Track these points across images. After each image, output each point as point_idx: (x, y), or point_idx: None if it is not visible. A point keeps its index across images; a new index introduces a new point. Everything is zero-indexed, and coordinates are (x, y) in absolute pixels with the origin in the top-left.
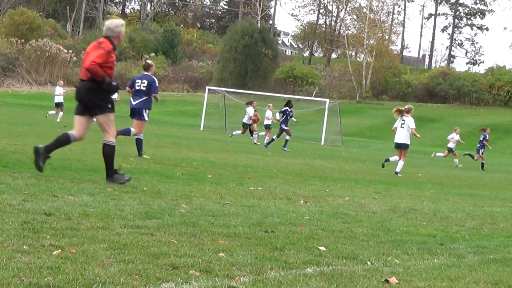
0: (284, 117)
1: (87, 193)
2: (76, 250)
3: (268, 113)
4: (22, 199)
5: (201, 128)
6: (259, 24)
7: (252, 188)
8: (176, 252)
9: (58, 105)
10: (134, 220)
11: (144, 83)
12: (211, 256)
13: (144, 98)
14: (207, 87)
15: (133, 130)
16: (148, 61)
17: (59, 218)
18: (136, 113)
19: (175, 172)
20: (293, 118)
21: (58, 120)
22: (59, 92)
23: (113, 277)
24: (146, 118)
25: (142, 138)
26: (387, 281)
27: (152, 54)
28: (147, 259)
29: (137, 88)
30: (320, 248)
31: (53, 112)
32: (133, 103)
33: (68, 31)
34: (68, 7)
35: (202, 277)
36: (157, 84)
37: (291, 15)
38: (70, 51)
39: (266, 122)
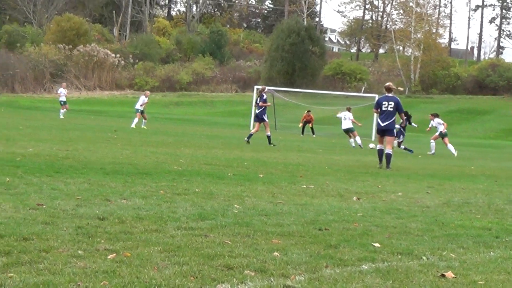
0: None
1: (140, 196)
2: (130, 253)
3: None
4: (76, 204)
5: (251, 128)
6: (305, 22)
7: (304, 186)
8: (230, 252)
9: (64, 103)
10: (187, 222)
11: (391, 104)
12: (266, 256)
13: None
14: (256, 87)
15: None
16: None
17: (113, 222)
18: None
19: (227, 172)
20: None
21: (61, 116)
22: (63, 93)
23: (169, 280)
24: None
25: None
26: (443, 275)
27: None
28: (202, 260)
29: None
30: (374, 244)
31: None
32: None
33: (115, 35)
34: (114, 12)
35: (257, 277)
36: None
37: (337, 11)
38: (118, 55)
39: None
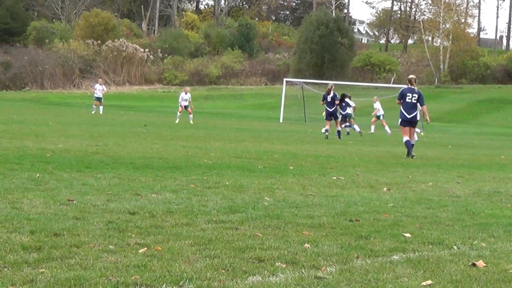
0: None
1: (170, 190)
2: (161, 247)
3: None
4: (106, 199)
5: (281, 121)
6: (334, 14)
7: (335, 178)
8: (261, 245)
9: (99, 99)
10: (218, 215)
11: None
12: (297, 248)
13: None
14: (285, 79)
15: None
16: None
17: (143, 217)
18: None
19: (257, 165)
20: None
21: (101, 112)
22: (99, 89)
23: (200, 273)
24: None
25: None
26: (474, 264)
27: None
28: (233, 253)
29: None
30: (405, 234)
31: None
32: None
33: (143, 30)
34: (142, 6)
35: (288, 269)
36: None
37: (366, 2)
38: (147, 50)
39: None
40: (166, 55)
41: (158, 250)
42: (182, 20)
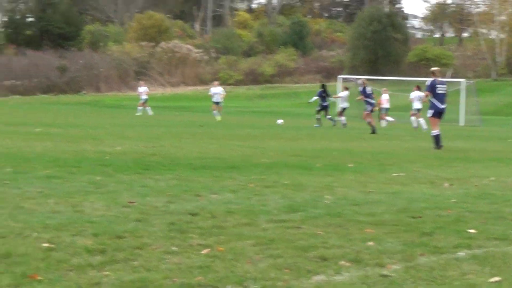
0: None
1: (229, 190)
2: (224, 248)
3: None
4: (166, 201)
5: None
6: (386, 9)
7: (394, 174)
8: (324, 243)
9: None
10: (278, 214)
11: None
12: (360, 246)
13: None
14: (339, 76)
15: None
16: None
17: (204, 217)
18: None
19: (315, 163)
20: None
21: (150, 113)
22: (143, 90)
23: (263, 273)
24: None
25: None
26: None
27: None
28: (296, 252)
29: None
30: (469, 230)
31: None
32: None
33: (196, 30)
34: (195, 7)
35: (352, 267)
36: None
37: None
38: (200, 50)
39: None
40: (220, 55)
41: (221, 250)
42: (234, 19)
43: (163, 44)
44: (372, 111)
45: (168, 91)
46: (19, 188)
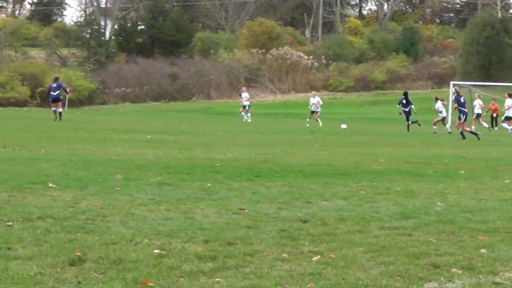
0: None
1: (341, 197)
2: (335, 255)
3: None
4: (277, 208)
5: (449, 124)
6: (499, 14)
7: (507, 181)
8: (436, 251)
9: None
10: (390, 221)
11: None
12: (472, 253)
13: None
14: (452, 82)
15: None
16: None
17: (315, 224)
18: None
19: (427, 170)
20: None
21: (249, 120)
22: (245, 97)
23: (375, 280)
24: None
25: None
26: None
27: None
28: (407, 259)
29: None
30: None
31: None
32: None
33: (307, 37)
34: (305, 14)
35: (464, 274)
36: None
37: None
38: (311, 57)
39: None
40: (331, 61)
41: (332, 257)
42: (345, 26)
43: (273, 51)
44: (465, 120)
45: (279, 98)
46: (130, 195)
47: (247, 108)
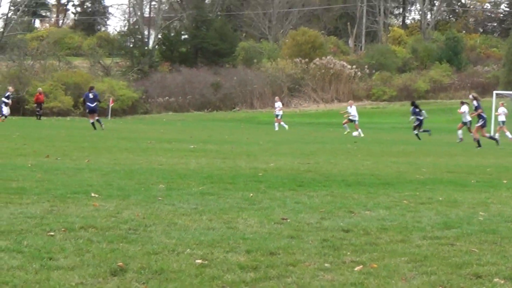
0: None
1: (383, 207)
2: (377, 264)
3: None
4: (320, 217)
5: (492, 134)
6: None
7: None
8: (478, 260)
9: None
10: (432, 231)
11: None
12: None
13: None
14: (495, 92)
15: None
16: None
17: (358, 234)
18: None
19: (470, 179)
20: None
21: (276, 129)
22: (278, 106)
23: None
24: None
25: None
26: None
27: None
28: (449, 269)
29: None
30: None
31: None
32: None
33: (350, 46)
34: (349, 23)
35: (507, 284)
36: None
37: None
38: (354, 66)
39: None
40: (374, 71)
41: (374, 267)
42: (388, 35)
43: (317, 60)
44: (483, 126)
45: (322, 107)
46: (173, 204)
47: (279, 117)
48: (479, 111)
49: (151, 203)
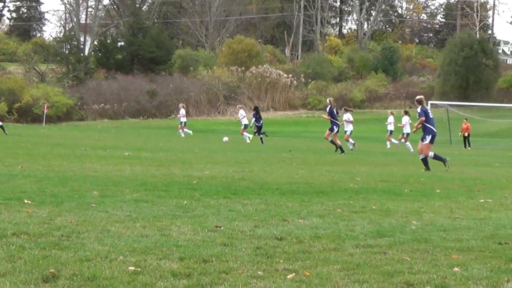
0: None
1: (317, 215)
2: (310, 272)
3: None
4: (253, 225)
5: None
6: (478, 35)
7: (482, 200)
8: (410, 269)
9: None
10: (365, 239)
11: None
12: (446, 272)
13: None
14: (430, 102)
15: None
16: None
17: (291, 242)
18: None
19: (403, 189)
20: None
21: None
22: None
23: None
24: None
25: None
26: None
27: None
28: (381, 277)
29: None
30: None
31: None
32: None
33: (286, 55)
34: (285, 32)
35: None
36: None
37: (510, 23)
38: (290, 75)
39: None
40: (310, 80)
41: (307, 275)
42: (325, 44)
43: (253, 69)
44: (337, 131)
45: None
46: (106, 211)
47: (183, 124)
48: (328, 116)
49: (84, 210)
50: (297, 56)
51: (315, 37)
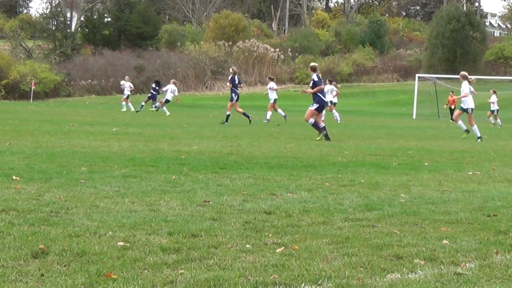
0: None
1: (305, 189)
2: (299, 246)
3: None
4: (242, 200)
5: (414, 117)
6: (464, 8)
7: (471, 173)
8: (399, 242)
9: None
10: (354, 213)
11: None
12: (435, 244)
13: None
14: (417, 75)
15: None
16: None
17: (280, 216)
18: None
19: (391, 162)
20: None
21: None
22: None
23: (338, 271)
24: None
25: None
26: None
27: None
28: (371, 251)
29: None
30: None
31: None
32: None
33: (273, 30)
34: (272, 6)
35: (427, 265)
36: None
37: None
38: (277, 49)
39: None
40: (297, 54)
41: (296, 249)
42: (312, 18)
43: (240, 43)
44: (237, 100)
45: (245, 90)
46: (95, 187)
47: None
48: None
49: (73, 186)
50: (284, 30)
51: (302, 11)
